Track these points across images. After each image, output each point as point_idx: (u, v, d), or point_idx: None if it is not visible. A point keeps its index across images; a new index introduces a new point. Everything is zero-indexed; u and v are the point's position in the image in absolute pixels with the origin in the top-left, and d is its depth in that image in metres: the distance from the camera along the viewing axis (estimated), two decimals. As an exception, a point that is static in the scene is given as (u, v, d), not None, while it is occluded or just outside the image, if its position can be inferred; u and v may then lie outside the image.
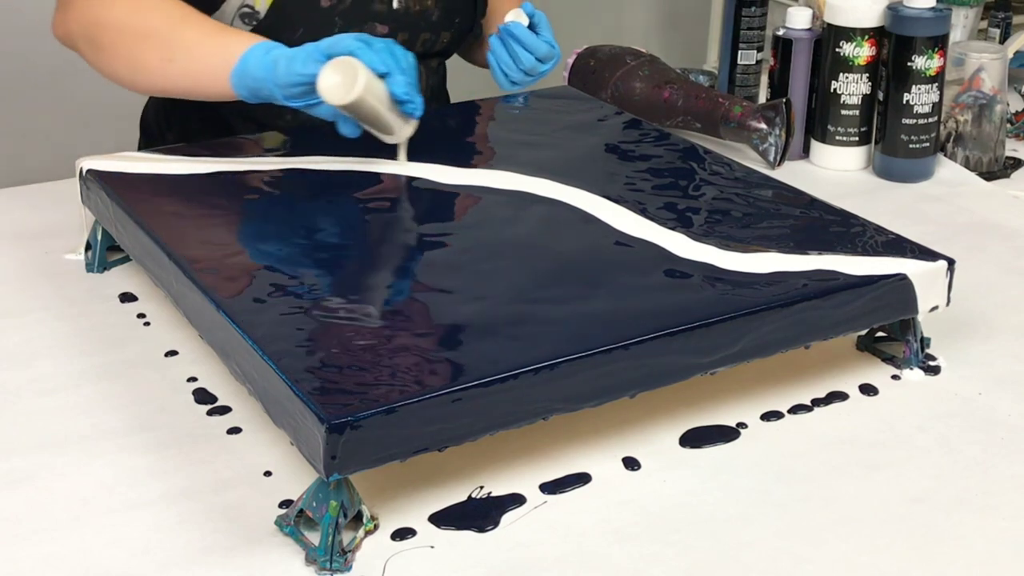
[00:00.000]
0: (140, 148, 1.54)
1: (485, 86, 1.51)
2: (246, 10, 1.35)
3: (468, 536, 0.86)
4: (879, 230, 1.09)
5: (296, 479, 0.90)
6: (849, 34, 1.45)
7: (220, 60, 1.22)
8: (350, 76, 1.13)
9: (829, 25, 1.46)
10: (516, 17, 1.38)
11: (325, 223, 1.09)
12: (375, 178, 1.18)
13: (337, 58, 1.14)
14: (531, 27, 1.39)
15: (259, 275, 1.00)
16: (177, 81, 1.25)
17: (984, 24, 1.91)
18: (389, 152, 1.22)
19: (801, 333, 0.98)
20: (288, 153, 1.23)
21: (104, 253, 1.20)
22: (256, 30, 1.35)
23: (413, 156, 1.21)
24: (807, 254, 1.04)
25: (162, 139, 1.51)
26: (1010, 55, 1.56)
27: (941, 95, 1.45)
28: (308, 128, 1.31)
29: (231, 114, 1.42)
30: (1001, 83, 1.49)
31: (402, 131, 1.20)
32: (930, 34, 1.41)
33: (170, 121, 1.49)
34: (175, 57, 1.24)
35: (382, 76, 1.16)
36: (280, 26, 1.34)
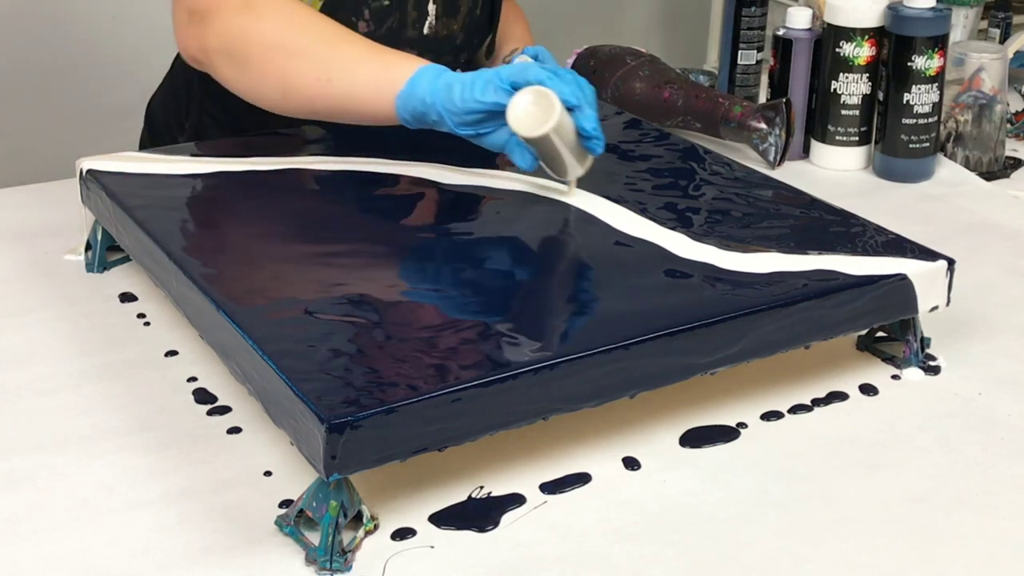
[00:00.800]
0: (143, 145, 1.54)
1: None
2: None
3: (468, 536, 0.86)
4: (879, 230, 1.09)
5: (296, 479, 0.90)
6: (849, 34, 1.45)
7: (384, 81, 1.14)
8: (545, 107, 1.07)
9: (829, 25, 1.46)
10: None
11: (325, 223, 1.09)
12: (375, 178, 1.18)
13: (531, 87, 1.08)
14: None
15: (259, 275, 1.00)
16: (333, 102, 1.17)
17: (984, 24, 1.91)
18: (389, 152, 1.22)
19: (801, 333, 0.98)
20: (288, 153, 1.23)
21: (104, 253, 1.20)
22: None
23: (413, 156, 1.21)
24: (807, 254, 1.04)
25: (169, 137, 1.50)
26: (1010, 55, 1.56)
27: (941, 95, 1.45)
28: (308, 129, 1.31)
29: (245, 112, 1.40)
30: (1001, 83, 1.49)
31: (576, 169, 1.13)
32: (930, 34, 1.41)
33: (180, 121, 1.49)
34: (333, 76, 1.16)
35: (571, 109, 1.10)
36: None
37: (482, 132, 1.12)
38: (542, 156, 1.12)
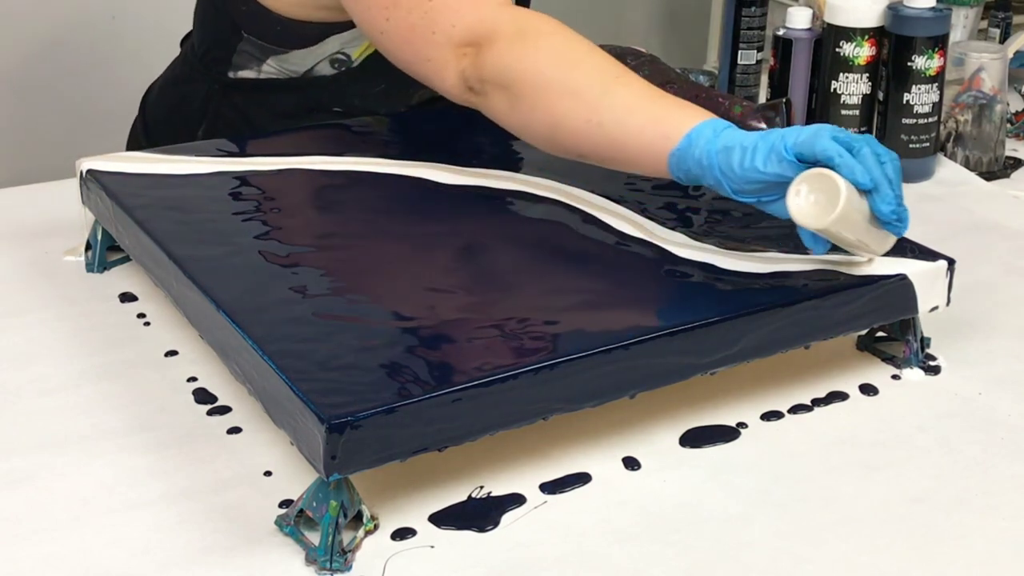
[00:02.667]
0: (136, 135, 1.53)
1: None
2: (340, 56, 1.35)
3: (468, 536, 0.86)
4: (879, 230, 1.09)
5: (296, 479, 0.90)
6: (849, 34, 1.45)
7: (658, 134, 1.04)
8: (831, 194, 0.94)
9: (829, 25, 1.46)
10: None
11: (325, 223, 1.09)
12: (375, 178, 1.18)
13: (813, 171, 0.95)
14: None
15: (259, 275, 1.00)
16: (602, 148, 1.08)
17: (984, 24, 1.91)
18: (389, 152, 1.22)
19: (801, 333, 0.98)
20: (288, 153, 1.23)
21: (104, 253, 1.20)
22: (340, 76, 1.35)
23: (414, 156, 1.21)
24: (807, 254, 1.03)
25: (169, 131, 1.49)
26: (1010, 55, 1.56)
27: (941, 95, 1.45)
28: (308, 128, 1.31)
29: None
30: (1001, 83, 1.49)
31: (873, 249, 1.00)
32: (930, 34, 1.41)
33: (187, 125, 1.47)
34: (604, 121, 1.06)
35: (866, 192, 0.97)
36: (364, 76, 1.35)
37: (764, 200, 1.01)
38: (833, 239, 0.99)
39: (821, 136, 0.97)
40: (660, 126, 1.04)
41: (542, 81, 1.09)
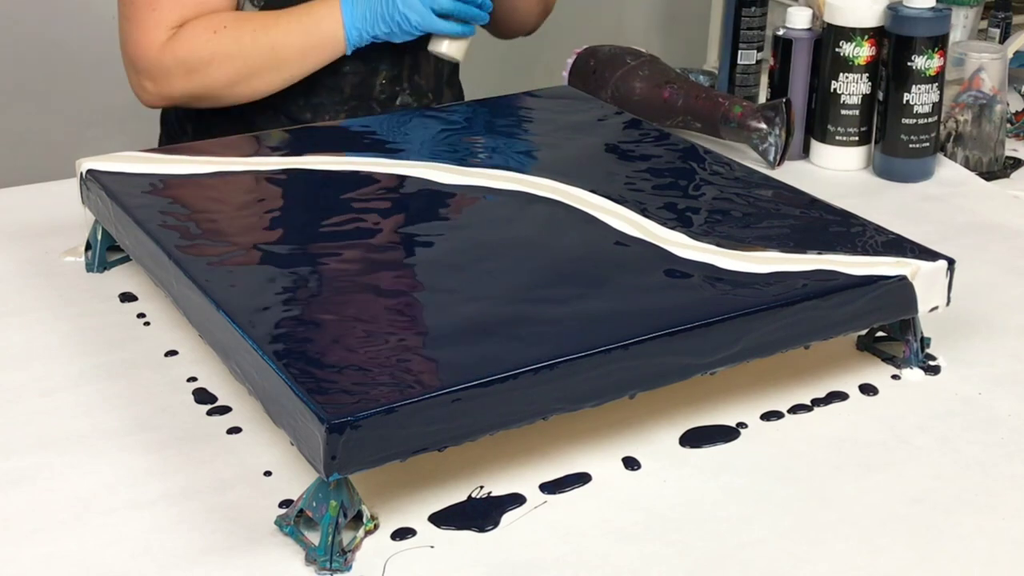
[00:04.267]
0: (160, 144, 1.56)
1: (494, 77, 1.52)
2: None
3: (468, 536, 0.86)
4: (879, 230, 1.09)
5: (296, 479, 0.90)
6: (849, 34, 1.45)
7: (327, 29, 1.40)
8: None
9: (829, 25, 1.46)
10: None
11: (325, 223, 1.09)
12: (375, 178, 1.18)
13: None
14: None
15: (259, 275, 1.00)
16: (291, 77, 1.43)
17: (984, 24, 1.91)
18: (389, 152, 1.22)
19: (801, 333, 0.98)
20: (288, 153, 1.23)
21: (104, 253, 1.20)
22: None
23: (413, 156, 1.21)
24: (807, 254, 1.04)
25: (183, 135, 1.52)
26: (1010, 55, 1.56)
27: (941, 95, 1.45)
28: (308, 128, 1.31)
29: (255, 111, 1.46)
30: (1001, 83, 1.49)
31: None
32: (930, 34, 1.41)
33: (192, 118, 1.51)
34: (281, 66, 1.41)
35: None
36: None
37: None
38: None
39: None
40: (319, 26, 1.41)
41: (217, 58, 1.39)
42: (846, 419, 0.99)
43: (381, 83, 1.51)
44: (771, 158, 1.47)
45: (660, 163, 1.23)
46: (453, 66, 1.60)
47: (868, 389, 1.03)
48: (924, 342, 1.07)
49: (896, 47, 1.43)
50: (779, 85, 1.51)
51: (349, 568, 0.82)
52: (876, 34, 1.45)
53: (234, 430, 0.96)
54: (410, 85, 1.53)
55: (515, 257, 1.04)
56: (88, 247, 1.21)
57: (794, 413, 1.00)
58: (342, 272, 1.01)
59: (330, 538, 0.82)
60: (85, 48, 2.48)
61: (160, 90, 1.41)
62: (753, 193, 1.16)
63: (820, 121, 1.49)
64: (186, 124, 1.53)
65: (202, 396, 1.00)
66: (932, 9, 1.42)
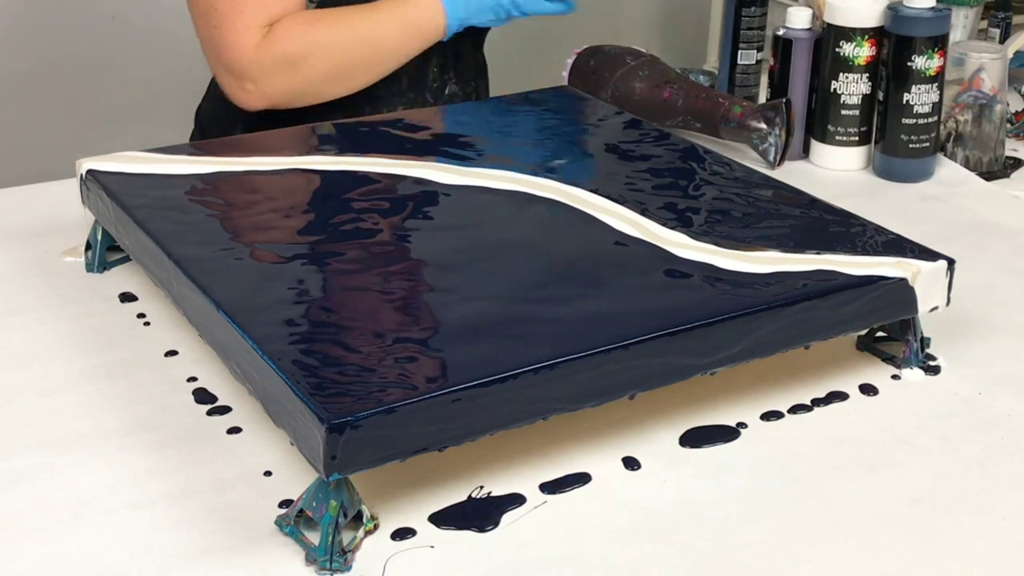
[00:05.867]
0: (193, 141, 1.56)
1: (494, 77, 1.52)
2: None
3: (468, 536, 0.86)
4: (879, 230, 1.09)
5: (296, 479, 0.90)
6: (849, 34, 1.45)
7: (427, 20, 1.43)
8: None
9: (829, 25, 1.46)
10: None
11: (325, 223, 1.09)
12: (375, 178, 1.18)
13: None
14: None
15: (259, 275, 1.00)
16: (389, 69, 1.46)
17: (984, 24, 1.91)
18: (389, 152, 1.22)
19: (801, 333, 0.98)
20: (288, 153, 1.23)
21: (104, 253, 1.20)
22: None
23: (414, 156, 1.21)
24: (807, 254, 1.04)
25: (218, 133, 1.53)
26: (1010, 55, 1.56)
27: (941, 95, 1.45)
28: (308, 128, 1.31)
29: (310, 114, 1.46)
30: (1001, 83, 1.49)
31: None
32: (930, 34, 1.41)
33: (230, 117, 1.51)
34: (383, 61, 1.44)
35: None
36: None
37: None
38: None
39: None
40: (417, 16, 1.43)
41: (316, 56, 1.41)
42: (846, 419, 0.99)
43: (434, 71, 1.53)
44: (771, 158, 1.47)
45: (660, 163, 1.23)
46: (484, 55, 1.62)
47: (868, 389, 1.03)
48: (924, 342, 1.07)
49: (896, 47, 1.43)
50: (779, 85, 1.51)
51: (349, 568, 0.82)
52: (876, 34, 1.45)
53: (234, 430, 0.96)
54: (455, 74, 1.54)
55: (515, 257, 1.04)
56: (88, 247, 1.21)
57: (794, 413, 1.00)
58: (342, 272, 1.01)
59: (330, 538, 0.82)
60: (85, 48, 2.48)
61: (262, 89, 1.41)
62: (753, 193, 1.16)
63: (820, 121, 1.49)
64: (237, 122, 1.52)
65: (202, 396, 1.00)
66: (932, 9, 1.42)
